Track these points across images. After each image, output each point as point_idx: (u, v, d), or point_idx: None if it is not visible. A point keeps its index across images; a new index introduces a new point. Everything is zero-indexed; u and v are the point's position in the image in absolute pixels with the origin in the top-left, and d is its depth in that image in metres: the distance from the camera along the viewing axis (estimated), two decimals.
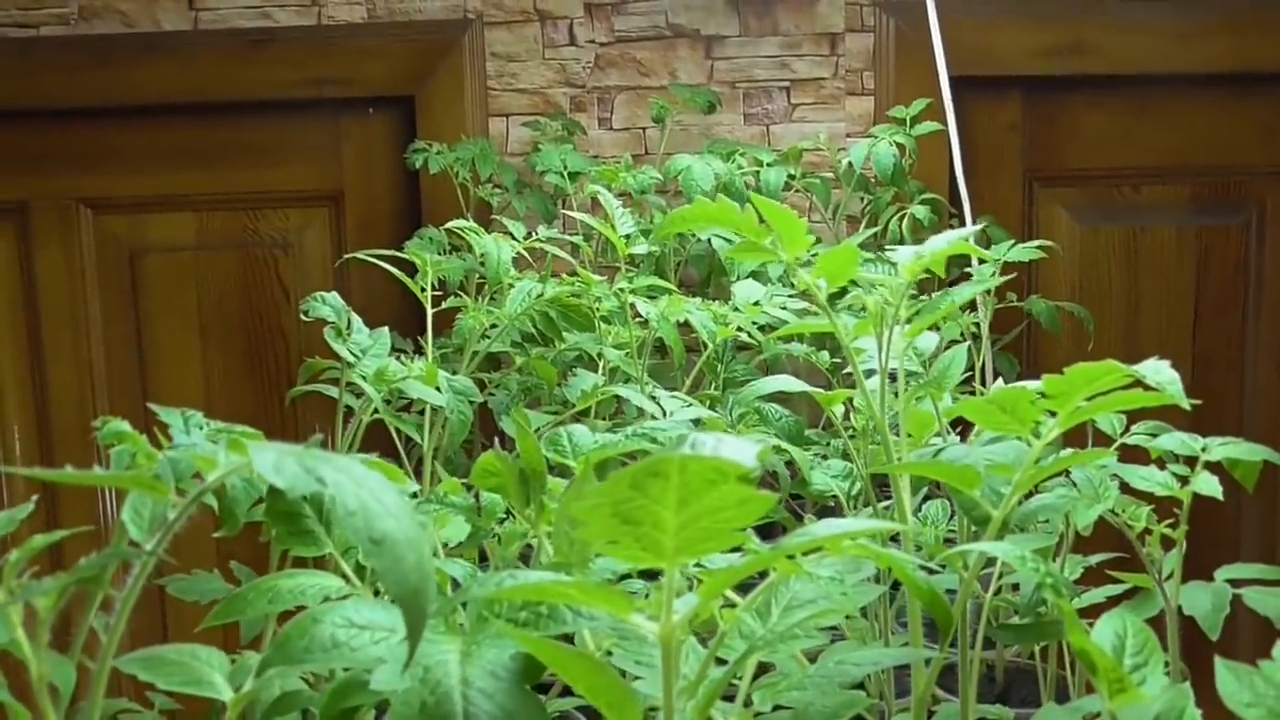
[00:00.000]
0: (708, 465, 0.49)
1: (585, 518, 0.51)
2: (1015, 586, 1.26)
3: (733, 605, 0.74)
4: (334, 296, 1.36)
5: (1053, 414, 0.83)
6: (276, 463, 0.55)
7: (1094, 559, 1.37)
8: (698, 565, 0.79)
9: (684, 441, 0.50)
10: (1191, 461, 1.16)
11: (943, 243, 0.95)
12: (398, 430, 1.48)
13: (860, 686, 1.27)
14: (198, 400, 2.44)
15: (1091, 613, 1.28)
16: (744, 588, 0.75)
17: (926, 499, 1.40)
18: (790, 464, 1.43)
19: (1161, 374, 0.77)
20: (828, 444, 1.56)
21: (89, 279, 2.44)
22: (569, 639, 0.72)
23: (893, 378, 1.08)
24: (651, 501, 0.51)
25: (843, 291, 1.37)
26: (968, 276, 1.71)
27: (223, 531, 0.92)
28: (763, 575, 0.71)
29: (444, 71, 2.39)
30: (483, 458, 0.79)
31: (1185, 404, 0.77)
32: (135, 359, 2.47)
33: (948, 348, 1.27)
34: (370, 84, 2.41)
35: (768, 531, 1.64)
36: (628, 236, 1.62)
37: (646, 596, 0.63)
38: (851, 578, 0.79)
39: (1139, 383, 0.80)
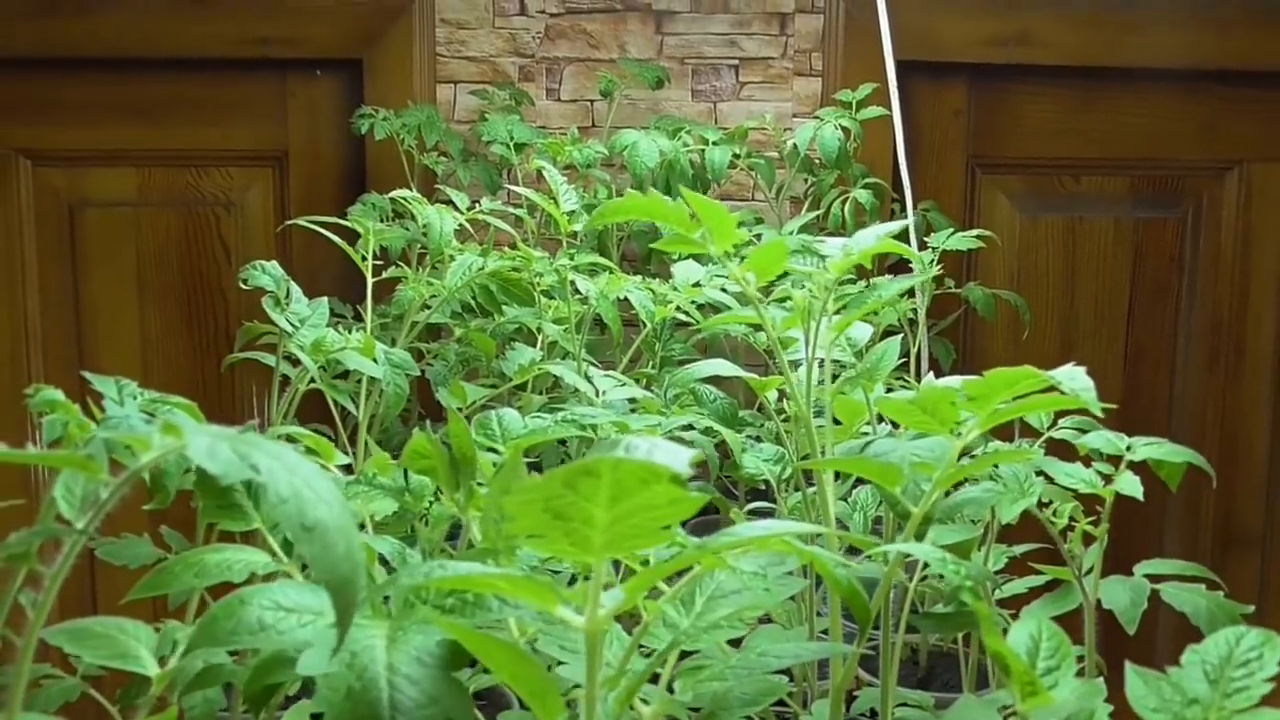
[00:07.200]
0: (640, 466, 0.50)
1: (516, 512, 0.52)
2: (941, 575, 1.27)
3: (658, 591, 0.75)
4: (274, 265, 1.35)
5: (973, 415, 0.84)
6: (211, 448, 0.56)
7: (1018, 549, 1.39)
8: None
9: (618, 445, 0.51)
10: (1116, 460, 1.18)
11: (871, 239, 0.96)
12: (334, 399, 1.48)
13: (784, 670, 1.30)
14: (134, 358, 2.42)
15: (1013, 603, 1.30)
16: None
17: (858, 484, 1.42)
18: (722, 444, 1.45)
19: (1076, 380, 0.79)
20: (761, 425, 1.57)
21: (26, 231, 2.41)
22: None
23: (821, 365, 1.09)
24: (582, 499, 0.52)
25: (781, 276, 1.38)
26: (906, 259, 1.72)
27: (153, 504, 0.92)
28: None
29: (393, 36, 2.37)
30: (413, 440, 0.79)
31: (1097, 410, 0.78)
32: (72, 314, 2.44)
33: (884, 337, 1.28)
34: (318, 45, 2.39)
35: (700, 510, 1.65)
36: (571, 213, 1.63)
37: (571, 583, 0.64)
38: (775, 570, 0.81)
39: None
